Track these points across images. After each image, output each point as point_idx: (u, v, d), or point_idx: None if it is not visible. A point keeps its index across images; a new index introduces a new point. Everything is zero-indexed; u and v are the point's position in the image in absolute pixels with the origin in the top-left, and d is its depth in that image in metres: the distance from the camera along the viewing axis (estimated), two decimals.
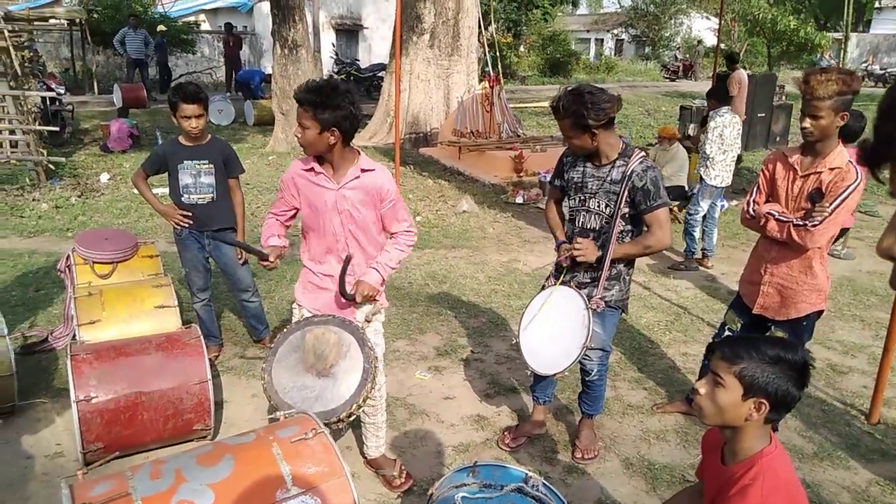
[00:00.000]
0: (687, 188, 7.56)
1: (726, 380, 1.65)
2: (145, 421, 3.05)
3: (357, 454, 3.26)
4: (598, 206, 2.97)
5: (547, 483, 2.36)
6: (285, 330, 2.72)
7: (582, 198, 3.02)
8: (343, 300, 2.77)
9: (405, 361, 4.34)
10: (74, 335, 3.57)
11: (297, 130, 2.62)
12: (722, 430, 1.77)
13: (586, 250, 2.94)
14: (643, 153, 2.94)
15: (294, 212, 2.89)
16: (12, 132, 8.41)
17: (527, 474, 2.35)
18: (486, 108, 10.66)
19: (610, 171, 2.92)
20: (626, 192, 2.87)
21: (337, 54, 20.71)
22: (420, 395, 3.92)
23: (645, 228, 2.97)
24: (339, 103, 2.53)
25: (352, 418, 2.55)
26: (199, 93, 3.68)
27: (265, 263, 2.76)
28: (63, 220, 7.09)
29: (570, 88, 2.83)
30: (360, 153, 2.75)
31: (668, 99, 18.96)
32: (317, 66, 11.10)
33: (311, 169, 2.72)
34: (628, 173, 2.86)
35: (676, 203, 7.84)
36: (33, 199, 7.62)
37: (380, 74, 16.92)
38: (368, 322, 2.81)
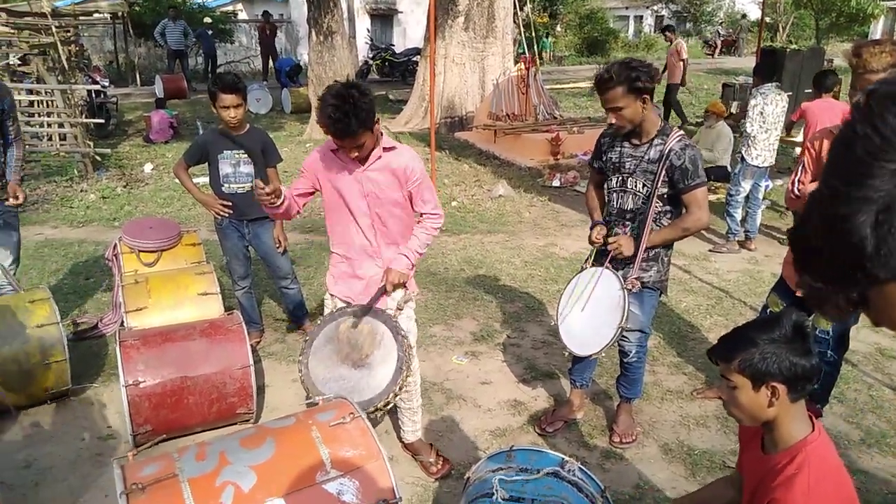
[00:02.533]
0: (729, 168, 7.39)
1: (734, 379, 1.63)
2: (191, 405, 3.15)
3: (395, 438, 3.31)
4: (636, 187, 2.93)
5: (583, 468, 2.36)
6: (319, 321, 2.76)
7: (620, 178, 2.98)
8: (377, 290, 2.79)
9: (442, 346, 4.37)
10: (123, 322, 3.70)
11: (353, 153, 2.58)
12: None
13: (622, 245, 2.92)
14: (681, 132, 2.90)
15: (311, 192, 2.85)
16: (61, 125, 8.70)
17: (563, 459, 2.36)
18: (521, 91, 10.55)
19: (648, 150, 2.88)
20: (663, 172, 2.82)
21: (372, 40, 20.75)
22: (457, 380, 3.95)
23: (683, 210, 2.92)
24: (367, 98, 2.50)
25: (388, 406, 2.59)
26: (238, 83, 3.73)
27: (260, 188, 2.54)
28: (110, 209, 7.32)
29: (613, 62, 2.81)
30: (381, 133, 2.73)
31: (711, 76, 18.46)
32: (352, 52, 11.14)
33: (336, 151, 2.70)
34: (666, 152, 2.81)
35: (719, 184, 7.69)
36: (81, 190, 7.88)
37: (415, 59, 16.88)
38: (400, 310, 2.82)
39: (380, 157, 2.70)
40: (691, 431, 3.44)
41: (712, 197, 7.66)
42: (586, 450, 3.30)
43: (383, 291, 2.77)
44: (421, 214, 2.89)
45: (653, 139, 2.87)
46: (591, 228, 3.10)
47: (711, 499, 2.20)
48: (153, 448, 2.18)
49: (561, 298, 3.14)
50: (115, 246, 4.29)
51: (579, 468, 2.34)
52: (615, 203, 3.03)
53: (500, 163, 9.35)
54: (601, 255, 3.11)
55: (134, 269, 4.09)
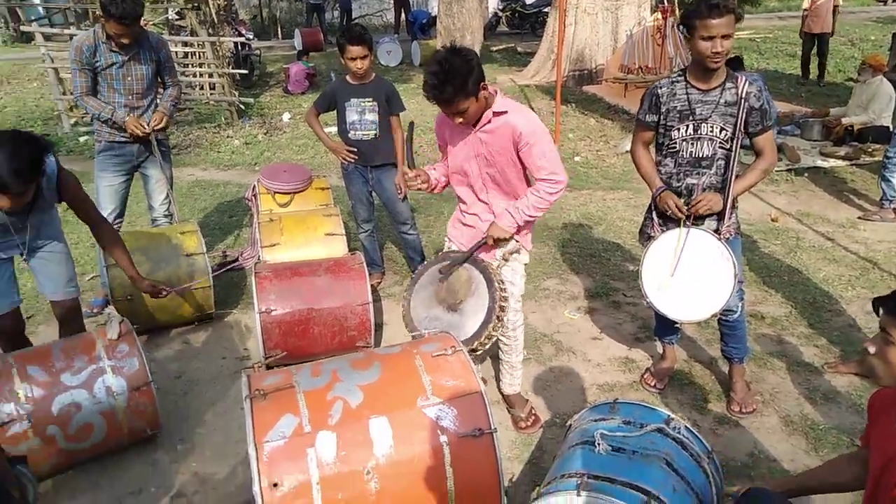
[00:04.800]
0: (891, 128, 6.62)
1: (894, 334, 1.50)
2: (315, 335, 3.41)
3: (494, 385, 3.37)
4: (712, 131, 2.83)
5: (690, 427, 2.31)
6: (426, 262, 2.86)
7: (691, 125, 2.85)
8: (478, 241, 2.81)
9: (554, 300, 4.37)
10: (259, 256, 4.03)
11: (456, 119, 2.59)
12: None
13: (711, 201, 2.83)
14: (746, 75, 2.85)
15: None
16: (211, 75, 9.41)
17: (669, 416, 2.32)
18: (657, 42, 9.96)
19: (721, 93, 2.80)
20: (744, 114, 2.77)
21: None
22: (568, 334, 3.95)
23: (754, 156, 2.92)
24: (468, 65, 2.45)
25: (477, 353, 2.63)
26: (364, 34, 3.86)
27: (406, 173, 2.80)
28: (251, 154, 7.88)
29: None
30: (496, 94, 2.69)
31: (879, 26, 16.37)
32: (481, 4, 11.01)
33: None
34: (743, 95, 2.76)
35: (877, 146, 6.92)
36: (227, 136, 8.53)
37: (545, 10, 16.36)
38: (505, 261, 2.81)
39: (489, 120, 2.66)
40: (818, 406, 3.23)
41: (868, 160, 6.93)
42: (698, 413, 3.21)
43: (483, 244, 2.78)
44: (536, 180, 2.79)
45: (724, 83, 2.80)
46: (659, 196, 2.96)
47: (833, 475, 2.08)
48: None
49: (643, 276, 2.98)
50: (254, 187, 4.65)
51: (686, 427, 2.30)
52: (685, 153, 2.90)
53: (629, 117, 8.96)
54: (664, 218, 3.02)
55: (269, 208, 4.42)
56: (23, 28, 14.36)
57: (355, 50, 3.83)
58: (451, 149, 2.85)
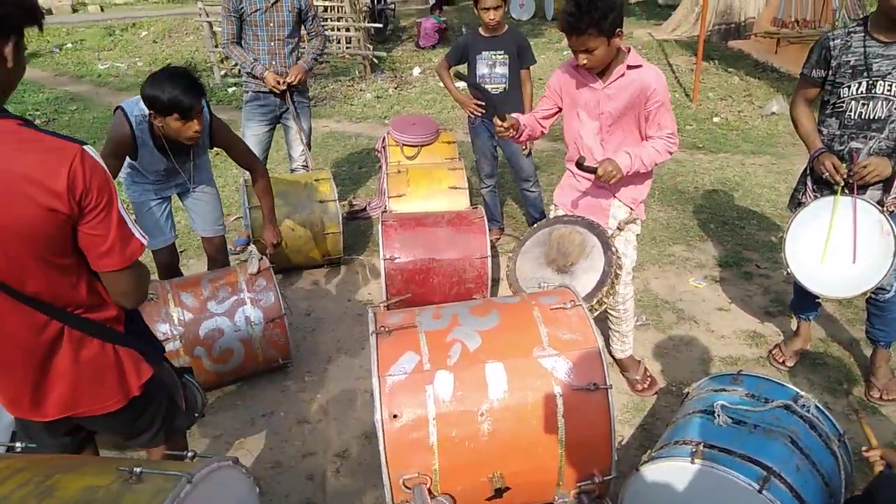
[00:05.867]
0: None
1: None
2: (434, 284, 3.52)
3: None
4: (891, 90, 2.51)
5: (821, 407, 2.17)
6: (535, 225, 2.81)
7: (864, 83, 2.55)
8: (596, 201, 2.71)
9: (680, 267, 4.20)
10: (385, 207, 4.19)
11: (581, 59, 2.48)
12: None
13: (878, 167, 2.53)
14: None
15: (555, 112, 2.82)
16: (347, 29, 9.69)
17: (798, 393, 2.19)
18: None
19: None
20: None
21: None
22: (691, 303, 3.80)
23: None
24: (611, 2, 2.35)
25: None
26: None
27: (499, 125, 2.61)
28: (382, 108, 8.09)
29: None
30: (628, 49, 2.57)
31: None
32: None
33: (578, 67, 2.60)
34: None
35: None
36: (360, 90, 8.81)
37: None
38: (620, 230, 2.73)
39: (622, 74, 2.56)
40: None
41: None
42: (831, 395, 3.00)
43: (593, 170, 2.56)
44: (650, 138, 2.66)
45: None
46: (817, 158, 2.70)
47: None
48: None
49: (787, 242, 2.76)
50: (383, 139, 4.80)
51: (816, 406, 2.16)
52: (853, 113, 2.62)
53: (778, 76, 8.24)
54: (820, 184, 2.75)
55: (398, 160, 4.56)
56: None
57: (489, 0, 3.81)
58: (570, 108, 2.74)
